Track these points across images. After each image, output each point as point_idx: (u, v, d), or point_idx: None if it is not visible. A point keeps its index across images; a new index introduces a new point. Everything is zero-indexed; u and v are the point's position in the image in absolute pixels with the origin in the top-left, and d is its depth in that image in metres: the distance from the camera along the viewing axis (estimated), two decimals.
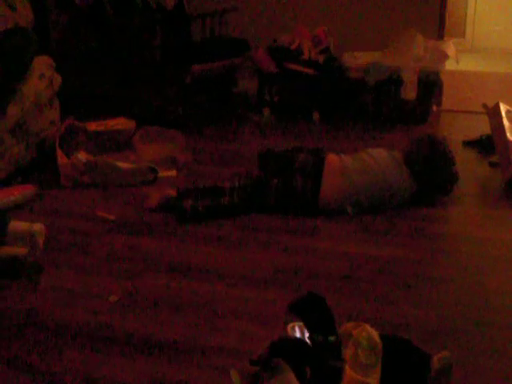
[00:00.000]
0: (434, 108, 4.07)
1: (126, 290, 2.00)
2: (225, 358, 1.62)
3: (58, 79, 3.20)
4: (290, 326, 1.57)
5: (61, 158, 2.91)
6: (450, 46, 3.94)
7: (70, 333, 1.78)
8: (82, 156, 2.93)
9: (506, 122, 3.15)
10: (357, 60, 3.93)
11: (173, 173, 3.02)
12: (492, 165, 3.23)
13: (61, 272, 2.13)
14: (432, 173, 2.66)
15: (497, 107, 3.26)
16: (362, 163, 2.63)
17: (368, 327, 1.49)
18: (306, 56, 3.91)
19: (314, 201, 2.56)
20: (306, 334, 1.51)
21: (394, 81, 3.83)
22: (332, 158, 2.65)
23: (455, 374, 1.49)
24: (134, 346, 1.72)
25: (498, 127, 3.16)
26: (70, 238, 2.38)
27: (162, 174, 2.97)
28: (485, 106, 3.35)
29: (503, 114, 3.20)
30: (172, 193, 2.64)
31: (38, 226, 2.17)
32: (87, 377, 1.59)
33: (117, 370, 1.62)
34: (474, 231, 2.48)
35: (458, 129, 3.79)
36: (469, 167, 3.16)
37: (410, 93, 3.88)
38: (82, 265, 2.18)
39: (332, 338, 1.48)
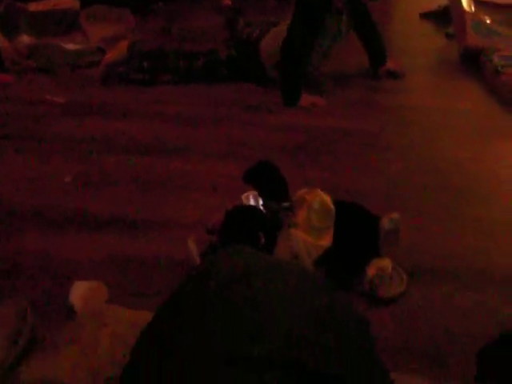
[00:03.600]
0: None
1: (80, 171, 1.98)
2: (182, 229, 1.65)
3: None
4: (245, 195, 1.59)
5: (2, 43, 2.76)
6: None
7: (27, 215, 1.77)
8: (25, 39, 2.78)
9: None
10: None
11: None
12: (448, 36, 3.19)
13: (13, 158, 2.08)
14: None
15: None
16: None
17: (321, 192, 1.53)
18: None
19: (257, 47, 2.58)
20: (261, 202, 1.54)
21: None
22: None
23: (403, 235, 1.55)
24: (91, 224, 1.72)
25: None
26: (19, 124, 2.31)
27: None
28: None
29: None
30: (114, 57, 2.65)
31: None
32: (47, 256, 1.60)
33: (76, 247, 1.63)
34: (427, 102, 2.49)
35: (414, 0, 3.70)
36: (425, 39, 3.12)
37: None
38: (35, 149, 2.14)
39: (286, 204, 1.51)
